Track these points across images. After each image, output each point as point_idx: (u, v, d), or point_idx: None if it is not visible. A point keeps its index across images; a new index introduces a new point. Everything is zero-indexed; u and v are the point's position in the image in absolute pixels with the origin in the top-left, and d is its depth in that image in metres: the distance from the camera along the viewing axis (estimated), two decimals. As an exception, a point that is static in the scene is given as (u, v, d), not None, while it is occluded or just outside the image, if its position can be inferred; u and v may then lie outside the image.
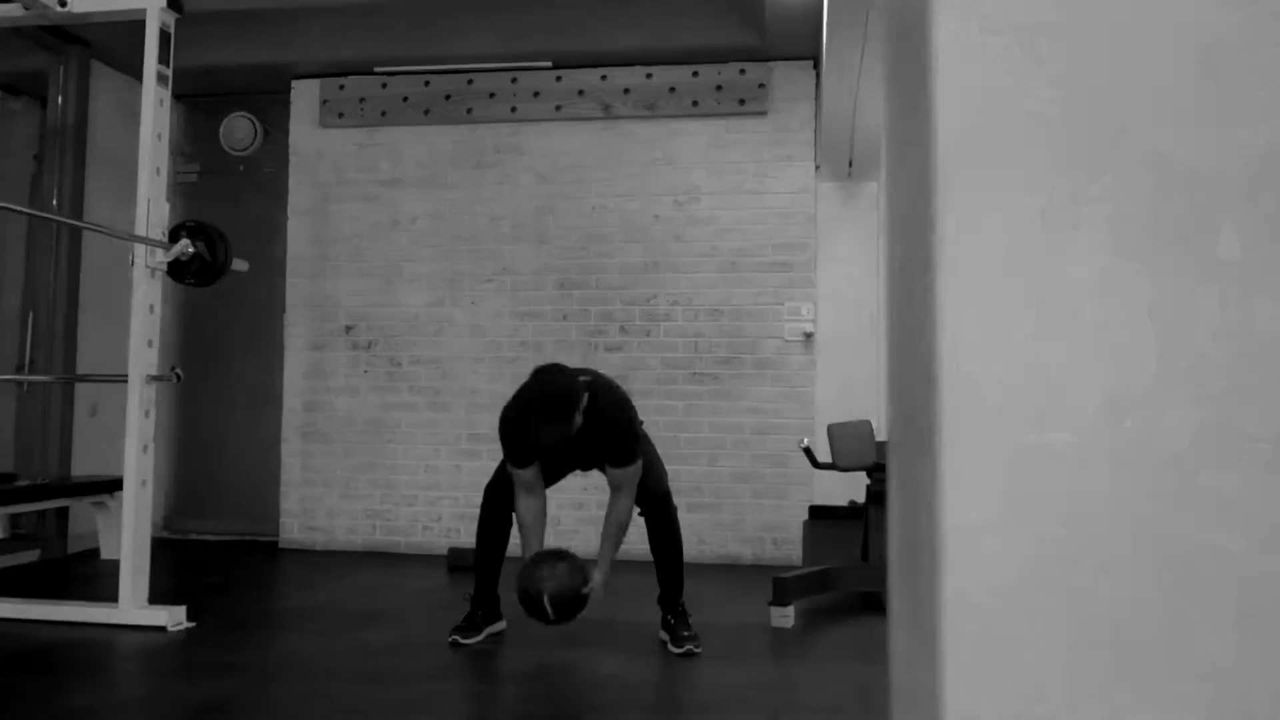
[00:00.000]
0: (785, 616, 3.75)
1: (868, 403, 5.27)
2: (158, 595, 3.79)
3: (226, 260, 3.84)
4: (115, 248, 5.60)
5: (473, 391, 5.52)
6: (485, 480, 5.36)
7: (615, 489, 3.34)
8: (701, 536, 5.28)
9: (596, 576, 3.34)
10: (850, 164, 5.29)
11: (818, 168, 5.37)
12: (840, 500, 5.08)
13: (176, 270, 3.79)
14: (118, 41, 5.34)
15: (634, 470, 3.31)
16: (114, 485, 5.17)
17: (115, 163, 5.47)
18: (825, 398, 5.31)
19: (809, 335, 5.32)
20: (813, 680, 3.06)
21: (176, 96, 6.08)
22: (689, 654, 3.27)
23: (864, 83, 4.67)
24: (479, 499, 5.30)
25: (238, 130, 5.80)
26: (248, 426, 5.95)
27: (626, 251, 5.46)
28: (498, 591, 3.50)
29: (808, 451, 4.11)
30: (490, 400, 5.50)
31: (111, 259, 5.59)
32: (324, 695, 2.80)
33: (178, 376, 3.69)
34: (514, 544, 3.52)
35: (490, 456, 5.40)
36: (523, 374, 5.35)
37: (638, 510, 3.45)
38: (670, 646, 3.33)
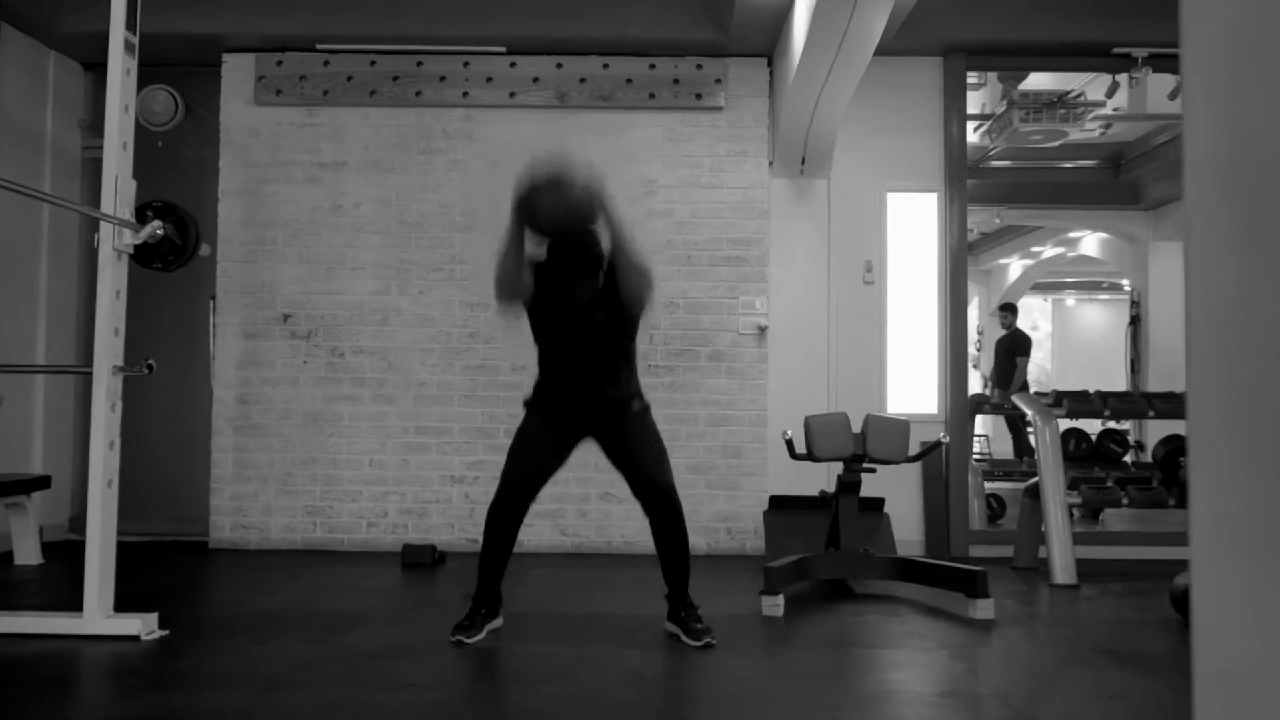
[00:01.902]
0: (776, 605, 3.79)
1: (818, 394, 5.36)
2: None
3: (196, 244, 3.59)
4: (7, 227, 5.16)
5: (420, 384, 5.37)
6: (435, 474, 5.49)
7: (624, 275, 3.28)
8: None
9: None
10: (803, 161, 5.34)
11: (771, 164, 5.41)
12: (793, 490, 5.14)
13: (143, 254, 3.51)
14: (28, 3, 4.93)
15: (633, 251, 3.26)
16: (31, 485, 4.78)
17: (20, 133, 5.04)
18: (777, 389, 5.37)
19: (762, 328, 5.37)
20: (838, 666, 3.09)
21: (86, 65, 5.67)
22: (707, 646, 3.26)
23: (833, 83, 4.72)
24: (427, 494, 5.44)
25: (155, 104, 5.45)
26: (170, 419, 5.60)
27: None
28: (500, 589, 3.45)
29: (790, 443, 4.13)
30: (439, 392, 5.37)
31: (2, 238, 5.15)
32: (346, 705, 2.64)
33: (149, 368, 3.42)
34: (524, 540, 3.42)
35: (439, 450, 5.33)
36: (473, 365, 5.43)
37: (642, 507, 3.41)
38: (686, 639, 3.31)
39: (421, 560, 4.92)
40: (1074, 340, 13.33)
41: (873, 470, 4.19)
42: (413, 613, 3.86)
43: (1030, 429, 4.99)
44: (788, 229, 5.47)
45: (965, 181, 5.53)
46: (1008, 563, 4.99)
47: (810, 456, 4.15)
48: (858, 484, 4.22)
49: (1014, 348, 8.70)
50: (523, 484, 3.34)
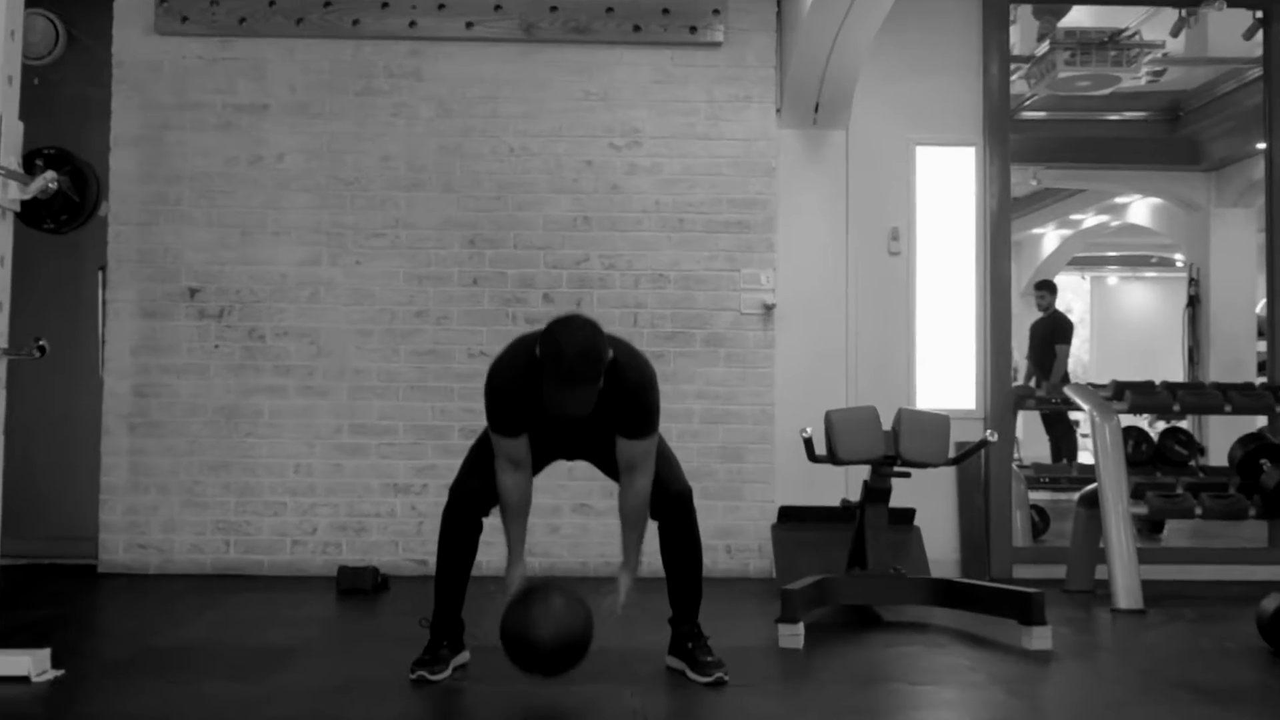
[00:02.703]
0: (795, 635, 3.81)
1: (834, 385, 5.39)
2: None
3: (96, 202, 3.53)
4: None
5: (357, 372, 5.35)
6: (375, 482, 5.46)
7: (629, 469, 3.27)
8: (643, 545, 5.26)
9: (624, 580, 3.33)
10: (817, 108, 5.36)
11: (779, 111, 5.42)
12: (805, 500, 5.16)
13: (32, 212, 3.44)
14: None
15: (651, 445, 3.27)
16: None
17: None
18: (786, 380, 5.39)
19: (769, 307, 5.38)
20: (875, 705, 3.11)
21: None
22: (719, 683, 3.26)
23: (855, 15, 4.74)
24: (365, 507, 5.42)
25: (32, 32, 5.35)
26: (48, 417, 5.51)
27: (552, 204, 5.37)
28: (462, 616, 3.43)
29: (808, 443, 4.15)
30: (379, 383, 5.34)
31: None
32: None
33: (41, 350, 3.36)
34: (484, 562, 3.43)
35: (380, 454, 5.31)
36: (421, 350, 5.43)
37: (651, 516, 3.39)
38: (692, 675, 3.32)
39: (361, 585, 4.89)
40: (1116, 325, 13.53)
41: (906, 475, 4.21)
42: (357, 645, 3.85)
43: (1081, 428, 5.05)
44: (798, 189, 5.47)
45: (1008, 133, 5.57)
46: (1057, 585, 5.04)
47: (832, 458, 4.16)
48: (888, 491, 4.24)
49: (1053, 333, 8.80)
50: (480, 491, 3.34)
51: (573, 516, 5.32)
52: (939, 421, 4.22)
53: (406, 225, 5.37)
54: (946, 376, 5.51)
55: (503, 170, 5.38)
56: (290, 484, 5.32)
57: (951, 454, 4.27)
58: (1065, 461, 8.64)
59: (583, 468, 3.52)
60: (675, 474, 3.39)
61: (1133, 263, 13.11)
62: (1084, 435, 9.64)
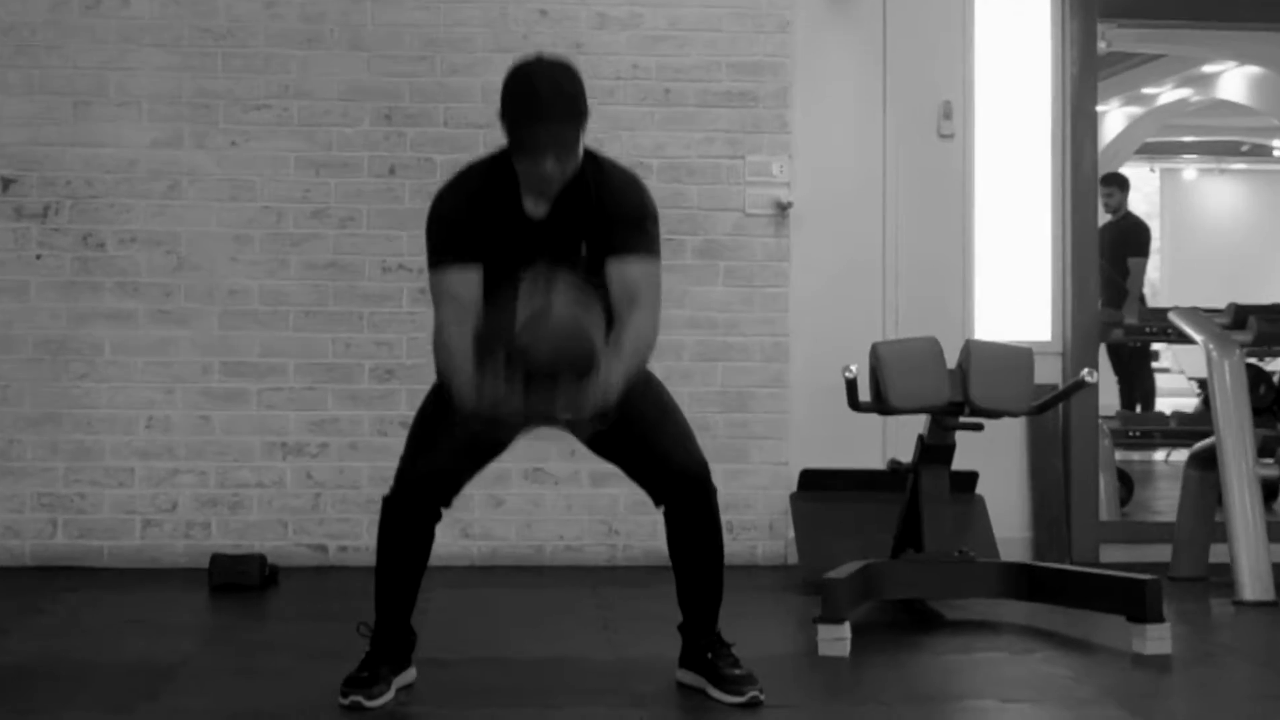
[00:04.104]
0: (840, 639, 3.83)
1: (868, 311, 5.42)
2: None
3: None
4: None
5: (231, 293, 5.33)
6: (256, 441, 5.40)
7: (627, 301, 3.20)
8: (613, 524, 5.33)
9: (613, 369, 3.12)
10: (846, -59, 5.34)
11: (796, -58, 5.42)
12: (831, 461, 5.18)
13: None
14: None
15: (653, 269, 3.27)
16: None
17: None
18: (805, 303, 5.41)
19: (783, 207, 5.37)
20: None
21: None
22: (754, 703, 3.28)
23: None
24: (243, 473, 5.36)
25: None
26: None
27: (495, 67, 5.10)
28: (411, 625, 3.45)
29: (852, 385, 4.16)
30: (262, 307, 5.33)
31: None
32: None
33: None
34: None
35: (263, 402, 5.34)
36: (319, 262, 5.41)
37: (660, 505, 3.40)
38: (716, 693, 3.33)
39: (244, 580, 4.86)
40: (1193, 231, 13.74)
41: (978, 427, 4.24)
42: (254, 660, 3.83)
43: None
44: (821, 51, 5.48)
45: (1095, -23, 5.59)
46: (1158, 570, 5.11)
47: (880, 406, 4.18)
48: (951, 449, 4.28)
49: (1125, 242, 8.87)
50: (435, 472, 3.34)
51: (523, 485, 5.31)
52: (1019, 357, 4.25)
53: (299, 94, 5.32)
54: (1013, 298, 5.55)
55: (429, 22, 5.32)
56: (140, 444, 5.27)
57: (1037, 399, 4.31)
58: (1138, 408, 8.81)
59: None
60: (688, 445, 3.37)
61: (1217, 151, 13.28)
62: (1185, 376, 9.83)
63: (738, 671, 3.33)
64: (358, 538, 5.20)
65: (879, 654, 3.87)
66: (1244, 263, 11.88)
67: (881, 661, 3.80)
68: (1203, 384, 9.65)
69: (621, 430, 3.29)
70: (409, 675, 3.44)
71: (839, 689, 3.55)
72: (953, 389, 4.14)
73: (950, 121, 5.52)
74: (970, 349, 4.20)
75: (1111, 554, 5.43)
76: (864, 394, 4.26)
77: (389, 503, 3.36)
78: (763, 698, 3.27)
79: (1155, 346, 9.51)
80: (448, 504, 3.37)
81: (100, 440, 5.27)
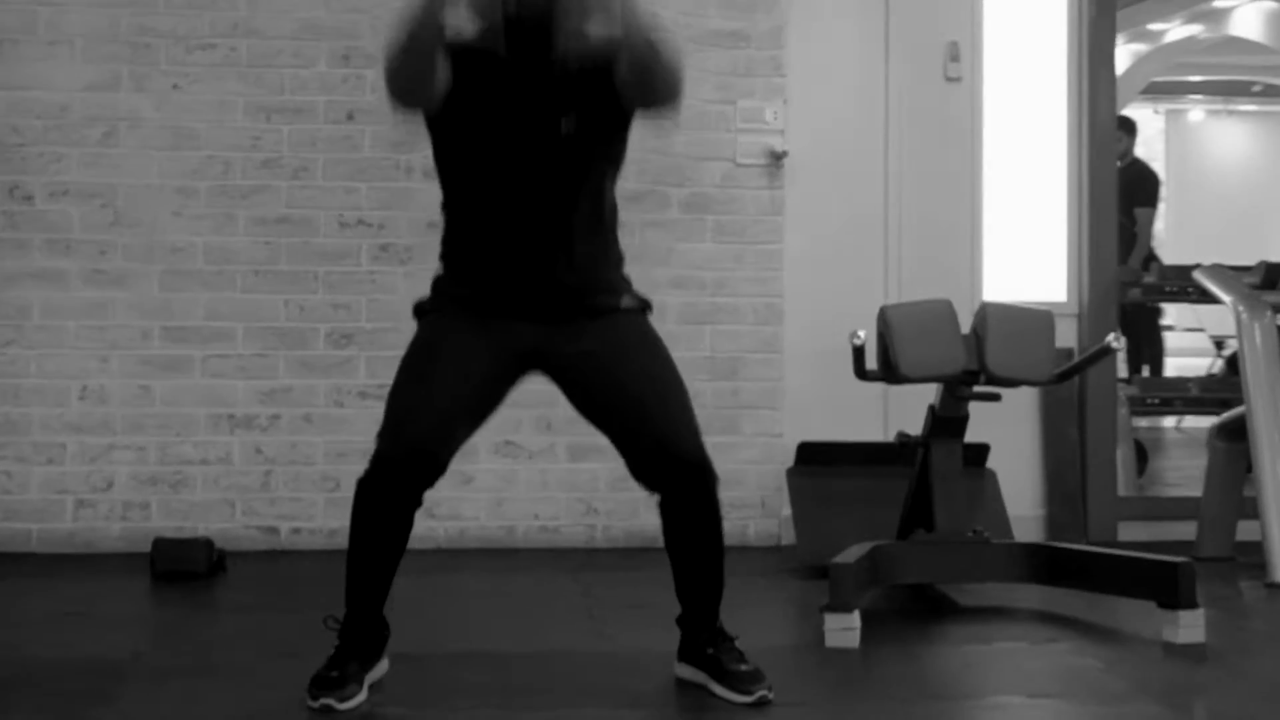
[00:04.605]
0: (849, 630, 3.84)
1: (870, 269, 5.43)
2: None
3: None
4: None
5: (174, 250, 5.30)
6: (201, 413, 5.36)
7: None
8: (592, 503, 5.34)
9: None
10: None
11: None
12: (828, 433, 5.20)
13: None
14: None
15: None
16: None
17: None
18: (802, 261, 5.42)
19: (777, 156, 5.37)
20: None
21: None
22: (762, 702, 3.27)
23: None
24: (185, 448, 5.34)
25: None
26: None
27: None
28: (384, 617, 3.42)
29: (859, 352, 4.15)
30: (207, 265, 5.33)
31: None
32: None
33: None
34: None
35: (209, 370, 5.33)
36: (271, 217, 5.38)
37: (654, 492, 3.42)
38: (721, 691, 3.32)
39: (190, 567, 4.83)
40: (1200, 178, 13.76)
41: (995, 398, 4.25)
42: (211, 658, 3.79)
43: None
44: (819, -16, 5.49)
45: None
46: (1181, 549, 5.14)
47: (889, 374, 4.19)
48: (964, 421, 4.28)
49: (1130, 191, 8.88)
50: (417, 451, 3.30)
51: (493, 460, 5.30)
52: (1039, 320, 4.25)
53: (249, 32, 5.29)
54: (1025, 255, 5.58)
55: (392, -51, 5.26)
56: (73, 417, 5.26)
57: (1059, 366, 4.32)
58: (1144, 372, 8.83)
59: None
60: (688, 427, 3.37)
61: (1226, 91, 13.30)
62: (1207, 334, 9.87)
63: (744, 668, 3.33)
64: (312, 519, 5.23)
65: (891, 645, 3.87)
66: (1253, 212, 11.90)
67: (894, 653, 3.80)
68: (1220, 344, 9.80)
69: (615, 389, 3.34)
70: (381, 668, 3.41)
71: (850, 684, 3.55)
72: (969, 356, 4.14)
73: (958, 64, 5.52)
74: (986, 312, 4.19)
75: (1130, 532, 5.48)
76: (870, 362, 4.25)
77: (365, 484, 3.33)
78: (771, 696, 3.26)
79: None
80: (431, 481, 3.32)
81: (28, 413, 5.24)
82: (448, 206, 3.43)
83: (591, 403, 3.40)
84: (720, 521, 3.48)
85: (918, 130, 5.52)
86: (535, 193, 3.30)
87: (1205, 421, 7.69)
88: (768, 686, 3.28)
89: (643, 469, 3.38)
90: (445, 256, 3.43)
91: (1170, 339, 10.66)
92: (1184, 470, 7.85)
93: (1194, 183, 13.79)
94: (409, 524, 3.37)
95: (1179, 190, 13.82)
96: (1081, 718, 3.29)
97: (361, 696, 3.27)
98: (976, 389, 4.19)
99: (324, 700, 3.21)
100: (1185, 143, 14.01)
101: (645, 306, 3.49)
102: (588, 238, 3.36)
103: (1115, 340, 4.38)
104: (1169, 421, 9.09)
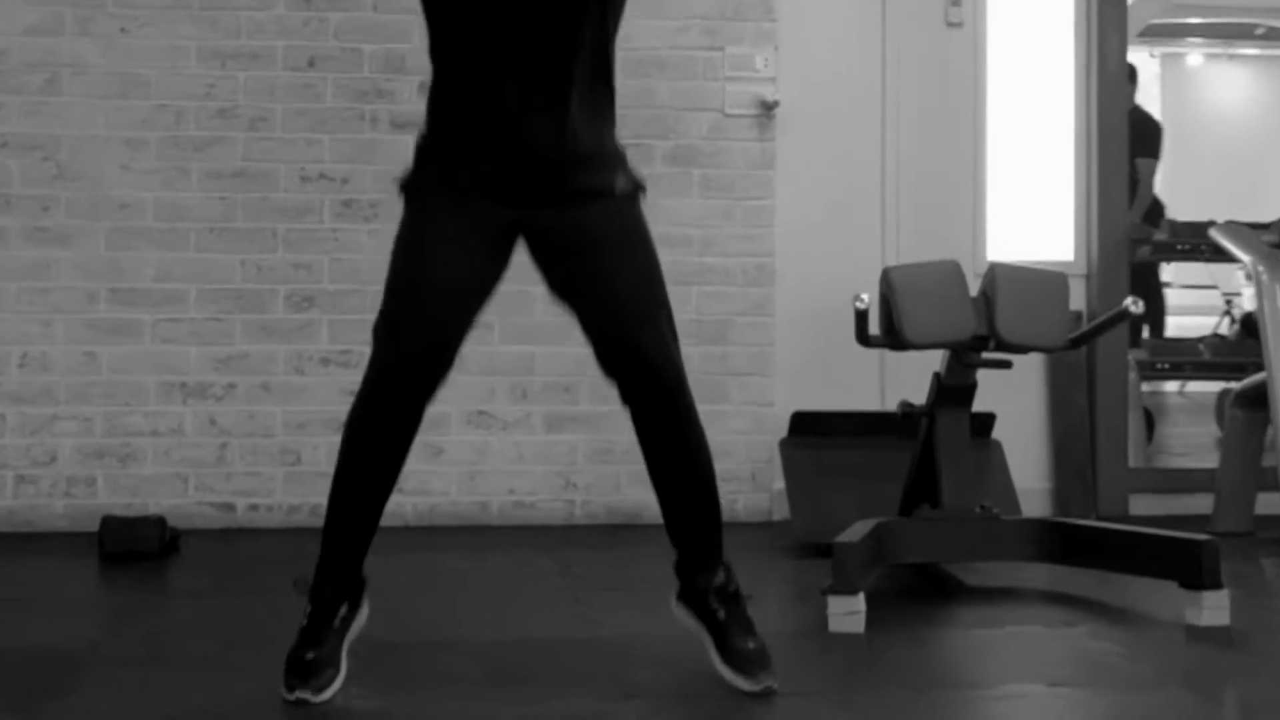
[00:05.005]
0: (854, 613, 3.83)
1: (867, 227, 5.46)
2: None
3: None
4: None
5: (122, 207, 5.31)
6: (151, 381, 5.36)
7: None
8: (570, 477, 5.37)
9: None
10: None
11: None
12: (823, 402, 5.21)
13: None
14: None
15: None
16: None
17: None
18: (795, 219, 5.43)
19: (768, 106, 5.38)
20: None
21: None
22: (767, 693, 3.22)
23: None
24: (135, 419, 5.37)
25: None
26: None
27: None
28: (363, 574, 3.36)
29: (862, 316, 4.15)
30: (158, 223, 5.33)
31: None
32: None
33: None
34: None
35: (160, 335, 5.34)
36: (226, 170, 5.38)
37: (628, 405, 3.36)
38: (723, 669, 3.25)
39: (141, 546, 4.82)
40: (1199, 125, 13.79)
41: (1005, 365, 4.26)
42: (168, 646, 3.75)
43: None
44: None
45: None
46: (1196, 523, 5.17)
47: (893, 340, 4.19)
48: (971, 390, 4.29)
49: (1132, 140, 8.88)
50: (424, 347, 3.20)
51: (465, 431, 5.32)
52: (1052, 282, 4.27)
53: (204, -36, 5.23)
54: (1031, 211, 5.61)
55: (353, -118, 5.30)
56: (12, 386, 5.27)
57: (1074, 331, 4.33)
58: (1145, 333, 8.87)
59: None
60: (655, 327, 3.30)
61: (1227, 34, 13.32)
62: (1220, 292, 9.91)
63: (751, 645, 3.26)
64: (270, 494, 5.26)
65: (898, 629, 3.87)
66: (1255, 162, 11.94)
67: (902, 638, 3.80)
68: (1229, 301, 9.86)
69: (594, 282, 3.28)
70: (362, 619, 3.33)
71: (858, 672, 3.54)
72: (978, 320, 4.14)
73: (959, 8, 5.53)
74: (996, 274, 4.20)
75: (1141, 505, 5.51)
76: (873, 327, 4.25)
77: (370, 390, 3.22)
78: (776, 686, 3.23)
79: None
80: (443, 376, 3.22)
81: (-36, 382, 5.26)
82: (435, 53, 3.37)
83: (564, 287, 3.33)
84: (699, 433, 3.40)
85: (917, 79, 5.53)
86: (532, 36, 3.24)
87: (1212, 387, 7.81)
88: (773, 675, 3.23)
89: (607, 361, 3.31)
90: (431, 115, 3.36)
91: (1170, 296, 10.75)
92: (1189, 438, 7.92)
93: (1192, 131, 13.82)
94: (413, 436, 3.28)
95: (1177, 139, 13.84)
96: (1108, 708, 3.28)
97: (338, 682, 3.19)
98: (986, 355, 4.20)
99: (299, 693, 3.16)
100: (1183, 89, 14.03)
101: (638, 188, 3.44)
102: (587, 96, 3.29)
103: (1134, 305, 4.38)
104: (1171, 386, 9.14)
